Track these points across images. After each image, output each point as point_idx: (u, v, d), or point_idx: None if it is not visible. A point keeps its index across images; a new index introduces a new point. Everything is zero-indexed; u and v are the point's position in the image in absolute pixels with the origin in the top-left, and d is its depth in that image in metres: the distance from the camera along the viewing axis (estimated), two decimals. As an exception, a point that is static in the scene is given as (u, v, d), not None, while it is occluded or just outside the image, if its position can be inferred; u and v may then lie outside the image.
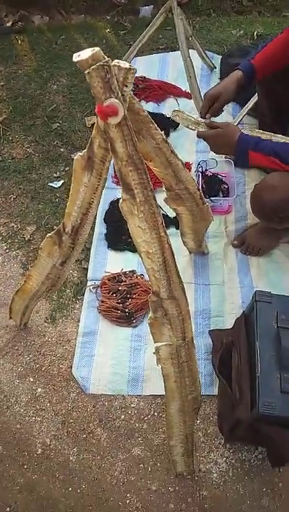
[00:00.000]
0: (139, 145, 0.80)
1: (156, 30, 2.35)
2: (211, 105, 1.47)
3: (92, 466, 1.32)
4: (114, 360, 1.47)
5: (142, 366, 1.46)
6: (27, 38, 2.45)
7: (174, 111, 1.41)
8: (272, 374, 1.10)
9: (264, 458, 1.31)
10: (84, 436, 1.37)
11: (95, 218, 1.72)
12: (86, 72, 0.65)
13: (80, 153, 0.83)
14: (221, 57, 2.27)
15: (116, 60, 0.69)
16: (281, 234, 1.68)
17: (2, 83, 2.21)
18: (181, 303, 0.87)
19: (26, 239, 1.73)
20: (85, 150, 0.81)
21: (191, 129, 1.42)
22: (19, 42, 2.43)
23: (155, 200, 0.76)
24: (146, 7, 2.73)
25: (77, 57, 0.65)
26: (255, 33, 2.43)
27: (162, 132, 0.86)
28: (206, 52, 2.19)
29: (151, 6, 2.70)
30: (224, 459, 1.33)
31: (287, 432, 1.07)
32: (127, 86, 0.68)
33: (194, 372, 1.05)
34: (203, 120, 1.42)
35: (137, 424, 1.38)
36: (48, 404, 1.41)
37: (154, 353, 0.98)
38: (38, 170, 1.92)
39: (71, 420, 1.39)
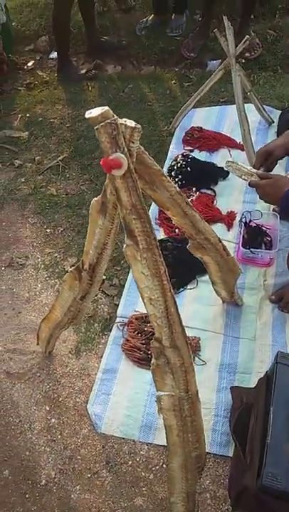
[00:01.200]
0: (154, 194, 0.83)
1: (219, 83, 2.44)
2: (263, 161, 1.49)
3: (92, 509, 1.29)
4: (130, 402, 1.45)
5: (156, 413, 1.42)
6: (97, 85, 2.64)
7: (228, 161, 1.46)
8: (282, 444, 1.02)
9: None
10: (89, 475, 1.35)
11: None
12: (95, 128, 0.70)
13: (96, 198, 0.88)
14: (280, 112, 2.29)
15: (124, 119, 0.74)
16: None
17: (68, 125, 2.39)
18: (184, 353, 0.86)
19: (66, 269, 1.81)
20: (100, 195, 0.86)
21: (244, 179, 1.45)
22: (90, 88, 2.63)
23: (158, 248, 0.78)
24: (214, 61, 2.84)
25: (89, 114, 0.71)
26: None
27: (176, 186, 0.89)
28: (265, 106, 2.23)
29: (219, 61, 2.81)
30: (230, 528, 1.24)
31: (291, 510, 0.98)
32: (133, 142, 0.73)
33: (198, 428, 1.01)
34: (255, 171, 1.44)
35: (143, 473, 1.34)
36: (59, 437, 1.42)
37: (155, 401, 0.97)
38: (88, 206, 2.00)
39: (79, 457, 1.38)
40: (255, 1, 2.85)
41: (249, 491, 1.07)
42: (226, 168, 1.50)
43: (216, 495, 1.29)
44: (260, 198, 1.46)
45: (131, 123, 0.73)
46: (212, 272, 1.28)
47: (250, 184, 1.43)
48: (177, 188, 0.90)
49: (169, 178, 0.86)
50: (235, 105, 1.98)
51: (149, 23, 3.02)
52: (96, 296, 1.72)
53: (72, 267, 1.07)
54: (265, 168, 1.50)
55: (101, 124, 0.69)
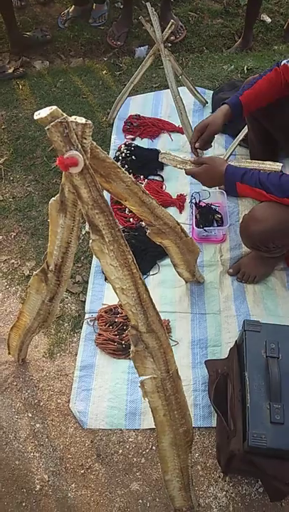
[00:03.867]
0: (111, 186, 0.85)
1: (150, 69, 2.47)
2: (200, 135, 1.54)
3: (91, 503, 1.31)
4: (112, 393, 1.48)
5: (139, 399, 1.46)
6: (28, 83, 2.58)
7: (161, 153, 1.49)
8: (261, 405, 1.09)
9: (265, 491, 1.28)
10: (82, 471, 1.36)
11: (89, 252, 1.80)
12: (46, 128, 0.71)
13: (54, 198, 0.88)
14: (212, 92, 2.35)
15: (73, 116, 0.74)
16: (276, 261, 1.69)
17: (3, 126, 2.32)
18: (161, 336, 0.89)
19: (26, 274, 1.78)
20: (58, 195, 0.86)
21: (179, 168, 1.48)
22: (20, 87, 2.56)
23: (124, 239, 0.80)
24: (142, 47, 2.86)
25: (38, 115, 0.71)
26: (245, 68, 2.52)
27: (131, 175, 0.91)
28: (197, 88, 2.28)
29: (146, 46, 2.83)
30: (224, 493, 1.31)
31: (279, 464, 1.05)
32: (86, 139, 0.74)
33: (183, 404, 1.05)
34: (188, 159, 1.48)
35: (135, 459, 1.37)
36: (47, 440, 1.42)
37: (139, 386, 1.00)
38: (37, 207, 1.99)
39: (69, 456, 1.39)
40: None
41: (237, 455, 1.13)
42: (160, 160, 1.52)
43: (206, 465, 1.35)
44: (202, 185, 1.51)
45: (81, 119, 0.73)
46: (173, 254, 1.32)
47: (186, 173, 1.47)
48: (132, 178, 0.92)
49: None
50: (168, 90, 2.02)
51: (71, 15, 2.97)
52: (62, 297, 1.71)
53: (37, 270, 1.06)
54: (201, 142, 1.55)
55: (51, 124, 0.69)
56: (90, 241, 0.81)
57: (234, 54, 2.74)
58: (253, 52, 2.78)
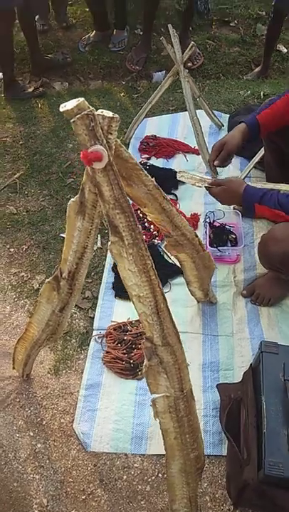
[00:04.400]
0: (131, 190, 0.82)
1: (167, 92, 2.51)
2: (218, 154, 1.54)
3: (91, 532, 1.23)
4: (118, 415, 1.41)
5: (146, 422, 1.40)
6: (47, 102, 2.62)
7: (179, 172, 1.51)
8: (279, 431, 1.03)
9: (278, 529, 1.19)
10: (83, 497, 1.28)
11: (103, 267, 1.77)
12: (72, 120, 0.69)
13: (73, 199, 0.85)
14: (228, 116, 2.37)
15: (100, 110, 0.73)
16: (291, 283, 1.65)
17: (21, 142, 2.34)
18: (177, 350, 0.85)
19: (35, 288, 1.75)
20: (77, 195, 0.84)
21: (198, 186, 1.50)
22: (39, 105, 2.60)
23: (144, 243, 0.76)
24: (159, 72, 2.92)
25: (64, 107, 0.70)
26: (261, 93, 2.54)
27: (153, 179, 0.89)
28: (214, 111, 2.30)
29: (164, 71, 2.89)
30: (234, 528, 1.22)
31: (297, 497, 0.98)
32: (111, 134, 0.72)
33: (195, 427, 0.99)
34: (207, 177, 1.50)
35: (140, 486, 1.29)
36: (48, 461, 1.35)
37: (150, 405, 0.94)
38: (50, 222, 1.98)
39: (70, 479, 1.31)
40: (193, 14, 2.96)
41: (251, 485, 1.05)
42: (178, 178, 1.54)
43: (215, 496, 1.27)
44: (222, 204, 1.51)
45: (108, 113, 0.71)
46: (187, 271, 1.28)
47: (209, 192, 1.48)
48: (154, 181, 0.89)
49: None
50: (185, 112, 2.04)
51: (92, 40, 3.05)
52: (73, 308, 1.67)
53: (50, 278, 1.03)
54: (219, 161, 1.54)
55: (77, 116, 0.67)
56: (109, 243, 0.78)
57: (251, 81, 2.78)
58: (269, 80, 2.82)
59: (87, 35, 3.07)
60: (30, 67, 2.90)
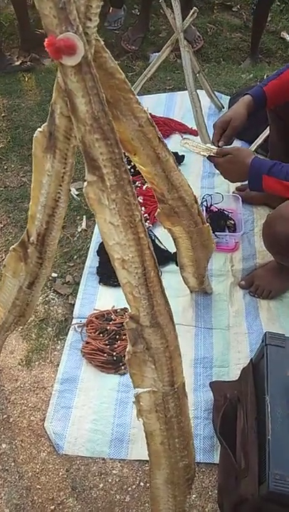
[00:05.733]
0: (116, 125, 0.63)
1: (165, 72, 2.35)
2: (223, 132, 1.38)
3: None
4: (96, 414, 1.24)
5: (128, 423, 1.23)
6: (34, 76, 2.45)
7: (184, 138, 1.43)
8: (286, 437, 0.86)
9: None
10: (52, 507, 1.11)
11: (87, 250, 1.60)
12: (35, -5, 0.51)
13: (40, 129, 0.67)
14: (229, 97, 2.22)
15: None
16: (294, 275, 1.50)
17: (3, 114, 2.17)
18: (168, 333, 0.67)
19: (10, 270, 1.57)
20: (45, 123, 0.66)
21: (202, 155, 1.37)
22: (26, 79, 2.43)
23: (131, 185, 0.58)
24: (156, 53, 2.75)
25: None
26: (265, 76, 2.41)
27: (148, 111, 0.71)
28: (215, 92, 2.15)
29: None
30: None
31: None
32: (90, 20, 0.54)
33: (186, 431, 0.82)
34: (213, 147, 1.36)
35: (118, 496, 1.12)
36: (13, 465, 1.17)
37: (133, 401, 0.77)
38: (30, 199, 1.80)
39: (38, 486, 1.14)
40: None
41: (249, 501, 0.89)
42: (182, 145, 1.43)
43: (205, 510, 1.11)
44: (223, 177, 1.37)
45: (86, -12, 0.54)
46: (182, 250, 1.11)
47: (210, 159, 1.34)
48: (148, 115, 0.71)
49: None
50: (183, 92, 1.89)
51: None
52: (47, 296, 1.50)
53: (15, 244, 0.84)
54: (225, 139, 1.39)
55: (43, -12, 0.50)
56: (84, 185, 0.59)
57: (251, 67, 2.65)
58: (272, 67, 2.69)
59: (81, 11, 2.91)
60: (19, 42, 2.72)
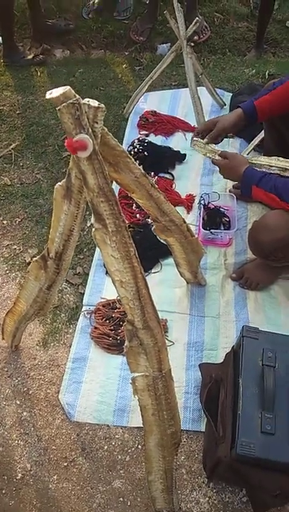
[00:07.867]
0: (119, 176, 0.83)
1: (170, 67, 2.45)
2: (207, 130, 1.53)
3: (71, 496, 1.29)
4: (102, 388, 1.46)
5: (129, 396, 1.44)
6: (46, 70, 2.56)
7: (194, 139, 1.54)
8: (253, 413, 1.07)
9: (248, 501, 1.25)
10: (65, 464, 1.34)
11: (95, 244, 1.78)
12: (57, 108, 0.69)
13: (60, 183, 0.86)
14: (231, 95, 2.32)
15: (86, 99, 0.72)
16: (280, 270, 1.66)
17: (18, 111, 2.31)
18: (157, 333, 0.87)
19: (27, 261, 1.76)
20: (64, 180, 0.84)
21: (208, 156, 1.52)
22: (38, 73, 2.55)
23: (127, 230, 0.78)
24: (164, 45, 2.84)
25: (50, 94, 0.69)
26: (266, 73, 2.49)
27: (141, 167, 0.90)
28: (217, 90, 2.25)
29: (169, 44, 2.81)
30: (207, 499, 1.28)
31: (265, 474, 1.03)
32: (97, 123, 0.72)
33: (173, 406, 1.03)
34: (217, 149, 1.50)
35: (119, 456, 1.35)
36: (32, 429, 1.40)
37: (130, 383, 0.98)
38: (45, 195, 1.98)
39: (54, 447, 1.37)
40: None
41: (224, 462, 1.11)
42: (191, 146, 1.56)
43: (192, 469, 1.33)
44: (224, 178, 1.52)
45: (94, 102, 0.71)
46: (176, 253, 1.30)
47: (213, 162, 1.50)
48: (142, 169, 0.90)
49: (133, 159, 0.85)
50: (187, 88, 2.00)
51: (96, 6, 2.95)
52: (60, 286, 1.70)
53: (37, 257, 1.04)
54: (209, 139, 1.53)
55: (63, 105, 0.67)
56: (93, 230, 0.79)
57: (255, 59, 2.71)
58: (276, 59, 2.75)
59: (91, 1, 2.97)
60: (31, 32, 2.81)
